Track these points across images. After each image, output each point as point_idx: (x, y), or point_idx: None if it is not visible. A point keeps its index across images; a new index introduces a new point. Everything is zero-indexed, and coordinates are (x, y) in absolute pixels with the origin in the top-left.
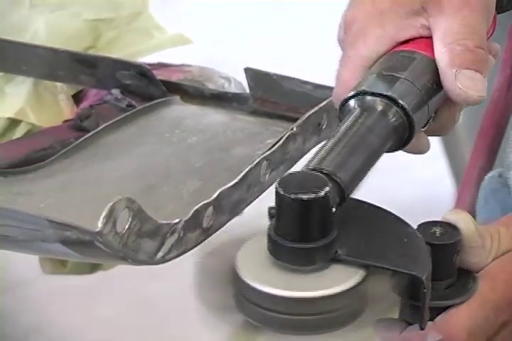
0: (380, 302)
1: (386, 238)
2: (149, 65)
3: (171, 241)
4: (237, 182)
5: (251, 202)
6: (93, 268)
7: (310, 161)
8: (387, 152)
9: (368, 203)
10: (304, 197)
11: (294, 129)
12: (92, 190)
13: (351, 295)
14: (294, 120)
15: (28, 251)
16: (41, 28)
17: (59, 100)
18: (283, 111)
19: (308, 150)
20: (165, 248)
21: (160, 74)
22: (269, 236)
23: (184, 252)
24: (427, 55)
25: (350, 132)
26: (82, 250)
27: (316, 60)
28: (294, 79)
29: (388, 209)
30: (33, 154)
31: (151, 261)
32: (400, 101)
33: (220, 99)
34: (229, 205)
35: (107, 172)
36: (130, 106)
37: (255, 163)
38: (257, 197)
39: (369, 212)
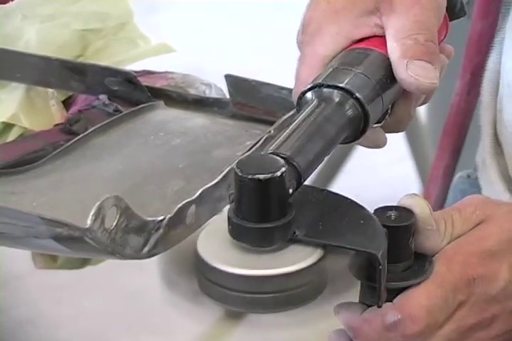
0: (339, 282)
1: (343, 219)
2: (135, 72)
3: (156, 236)
4: (218, 182)
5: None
6: (83, 263)
7: (268, 146)
8: (343, 143)
9: (325, 189)
10: (261, 176)
11: (271, 132)
12: (81, 189)
13: (310, 273)
14: (271, 123)
15: (21, 246)
16: (33, 38)
17: (50, 105)
18: (261, 115)
19: None
20: (150, 243)
21: (145, 81)
22: (229, 218)
23: (169, 247)
24: (381, 52)
25: (308, 120)
26: (72, 245)
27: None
28: (271, 85)
29: (344, 195)
30: (26, 156)
31: (138, 255)
32: (356, 94)
33: (202, 104)
34: (210, 203)
35: (95, 173)
36: (117, 111)
37: (235, 163)
38: None
39: (326, 197)
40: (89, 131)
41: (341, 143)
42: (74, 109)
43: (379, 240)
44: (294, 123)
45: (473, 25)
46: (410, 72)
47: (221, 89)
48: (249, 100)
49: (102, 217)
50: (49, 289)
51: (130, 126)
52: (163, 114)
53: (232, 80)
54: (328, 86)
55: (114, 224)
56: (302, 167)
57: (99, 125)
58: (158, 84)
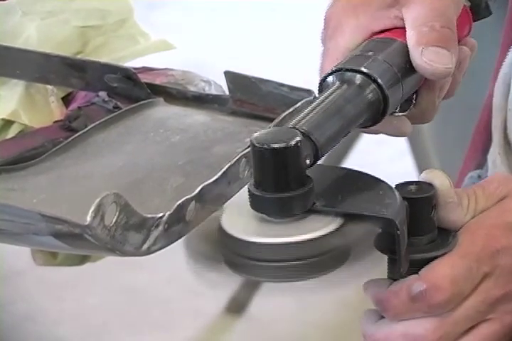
0: (360, 252)
1: (362, 191)
2: (135, 69)
3: (155, 233)
4: (217, 178)
5: (231, 196)
6: (82, 259)
7: (288, 123)
8: (361, 127)
9: (344, 167)
10: (276, 145)
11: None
12: (81, 186)
13: (331, 240)
14: (271, 120)
15: (21, 243)
16: (33, 35)
17: (49, 102)
18: (260, 111)
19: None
20: (150, 240)
21: (144, 78)
22: (249, 191)
23: (168, 244)
24: (401, 41)
25: (328, 100)
26: (72, 242)
27: (293, 63)
28: (271, 81)
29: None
30: (26, 153)
31: (137, 252)
32: (377, 78)
33: (202, 101)
34: (210, 200)
35: (95, 169)
36: (116, 107)
37: (234, 160)
38: (237, 192)
39: (345, 173)
40: (89, 127)
41: (360, 127)
42: (73, 105)
43: (397, 208)
44: (315, 103)
45: (507, 29)
46: (425, 58)
47: (220, 86)
48: (248, 97)
49: (101, 214)
50: (49, 285)
51: (130, 123)
52: (163, 111)
53: (231, 77)
54: (350, 70)
55: (114, 220)
56: (320, 142)
57: (98, 122)
58: (158, 80)
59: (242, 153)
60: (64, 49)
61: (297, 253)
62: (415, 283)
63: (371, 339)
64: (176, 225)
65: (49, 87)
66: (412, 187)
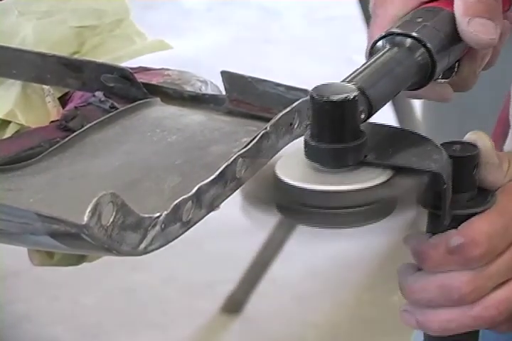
0: (406, 205)
1: (411, 147)
2: (131, 68)
3: (152, 233)
4: (214, 178)
5: (228, 196)
6: (79, 259)
7: (342, 80)
8: (409, 89)
9: (394, 126)
10: (335, 98)
11: (268, 128)
12: (78, 186)
13: (381, 191)
14: (268, 120)
15: (18, 243)
16: (29, 35)
17: (46, 102)
18: (257, 111)
19: (281, 148)
20: (147, 240)
21: (141, 78)
22: (305, 141)
23: (165, 244)
24: (450, 10)
25: (380, 60)
26: (69, 242)
27: (289, 64)
28: (267, 81)
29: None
30: (22, 153)
31: (134, 252)
32: (427, 43)
33: (198, 101)
34: (207, 200)
35: (92, 169)
36: (113, 107)
37: (231, 160)
38: (234, 192)
39: (395, 130)
40: (86, 127)
41: (407, 89)
42: (70, 105)
43: (444, 164)
44: (366, 64)
45: None
46: (471, 28)
47: (217, 86)
48: (245, 96)
49: (98, 214)
50: (45, 285)
51: (127, 123)
52: (160, 111)
53: (228, 76)
54: (400, 34)
55: (111, 220)
56: (373, 99)
57: (95, 122)
58: (155, 80)
59: (239, 153)
60: (60, 49)
61: (347, 202)
62: (454, 237)
63: (408, 291)
64: (173, 225)
65: (45, 87)
66: (457, 147)
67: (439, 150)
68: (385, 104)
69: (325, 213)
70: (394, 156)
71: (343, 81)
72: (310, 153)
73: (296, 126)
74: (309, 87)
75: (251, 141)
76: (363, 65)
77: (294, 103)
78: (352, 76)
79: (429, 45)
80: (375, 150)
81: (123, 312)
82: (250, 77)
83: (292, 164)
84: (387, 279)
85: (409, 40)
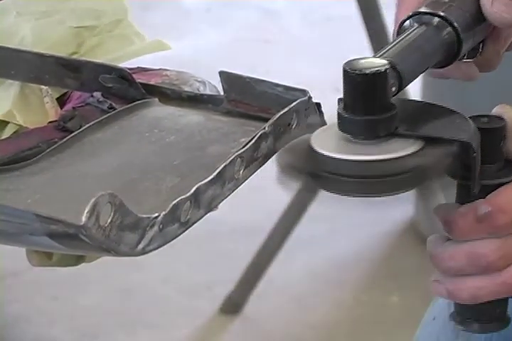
0: (436, 176)
1: (440, 119)
2: (129, 69)
3: (150, 233)
4: (212, 179)
5: (226, 197)
6: (78, 260)
7: (373, 56)
8: (435, 67)
9: (423, 101)
10: (368, 71)
11: (266, 129)
12: (76, 186)
13: (411, 161)
14: (266, 120)
15: (16, 243)
16: (28, 35)
17: (44, 103)
18: (255, 111)
19: (279, 149)
20: (145, 240)
21: (139, 78)
22: (339, 114)
23: (163, 244)
24: None
25: (409, 37)
26: (67, 242)
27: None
28: (265, 81)
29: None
30: (21, 153)
31: (132, 252)
32: (453, 22)
33: (196, 101)
34: (205, 200)
35: (90, 170)
36: (111, 108)
37: (229, 160)
38: (232, 192)
39: (423, 103)
40: (84, 128)
41: (433, 67)
42: (68, 106)
43: (473, 134)
44: (396, 40)
45: None
46: (494, 8)
47: (215, 87)
48: (243, 97)
49: (96, 214)
50: (44, 286)
51: (125, 123)
52: (158, 111)
53: (226, 77)
54: (427, 13)
55: (109, 221)
56: (404, 73)
57: (93, 122)
58: (153, 81)
59: (237, 153)
60: (59, 49)
61: (380, 171)
62: (482, 206)
63: (437, 260)
64: (171, 225)
65: (43, 87)
66: (484, 120)
67: (468, 122)
68: (414, 79)
69: (358, 182)
70: (424, 127)
71: (374, 56)
72: (343, 125)
73: (294, 126)
74: (308, 88)
75: (249, 141)
76: (393, 41)
77: (292, 103)
78: (382, 51)
79: (455, 24)
80: (405, 122)
81: (122, 312)
82: (248, 77)
83: (326, 137)
84: (385, 280)
85: (436, 19)
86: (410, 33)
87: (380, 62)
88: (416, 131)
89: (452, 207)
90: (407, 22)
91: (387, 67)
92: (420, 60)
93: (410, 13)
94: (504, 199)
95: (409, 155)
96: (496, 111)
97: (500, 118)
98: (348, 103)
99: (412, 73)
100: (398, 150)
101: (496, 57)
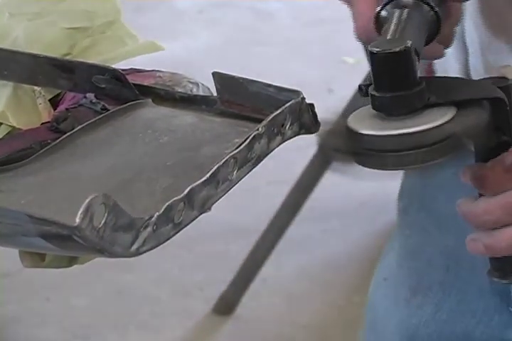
0: (473, 139)
1: (465, 85)
2: (123, 70)
3: (144, 234)
4: (206, 179)
5: (220, 197)
6: (70, 261)
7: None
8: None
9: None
10: (397, 49)
11: (260, 129)
12: (70, 187)
13: (448, 128)
14: (259, 121)
15: (9, 245)
16: (20, 36)
17: (37, 104)
18: (249, 112)
19: (273, 150)
20: (139, 241)
21: (132, 79)
22: (371, 95)
23: (157, 245)
24: None
25: (403, 19)
26: (60, 243)
27: (280, 65)
28: (258, 82)
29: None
30: (14, 154)
31: (126, 253)
32: (430, 2)
33: (190, 102)
34: (199, 201)
35: (84, 170)
36: (104, 109)
37: (223, 161)
38: (225, 193)
39: (445, 78)
40: (77, 128)
41: None
42: (61, 107)
43: (500, 92)
44: (393, 23)
45: None
46: None
47: (208, 88)
48: (236, 98)
49: (90, 215)
50: (37, 287)
51: (118, 124)
52: (152, 112)
53: (219, 77)
54: None
55: (103, 222)
56: (418, 50)
57: (87, 123)
58: (146, 82)
59: (231, 154)
60: (52, 50)
61: (423, 141)
62: (508, 156)
63: (472, 216)
64: (165, 226)
65: (36, 88)
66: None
67: (489, 82)
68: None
69: (403, 155)
70: (453, 94)
71: (385, 38)
72: (377, 103)
73: (287, 127)
74: (301, 88)
75: (243, 142)
76: (390, 25)
77: (285, 104)
78: (390, 32)
79: (431, 3)
80: (434, 93)
81: (114, 313)
82: (241, 78)
83: (362, 117)
84: None
85: (411, 1)
86: (401, 15)
87: (399, 41)
88: (447, 98)
89: (480, 165)
90: (384, 11)
91: (410, 42)
92: (422, 38)
93: (385, 1)
94: None
95: (446, 122)
96: (499, 71)
97: (504, 77)
98: (379, 82)
99: (421, 50)
100: (435, 119)
101: (451, 33)
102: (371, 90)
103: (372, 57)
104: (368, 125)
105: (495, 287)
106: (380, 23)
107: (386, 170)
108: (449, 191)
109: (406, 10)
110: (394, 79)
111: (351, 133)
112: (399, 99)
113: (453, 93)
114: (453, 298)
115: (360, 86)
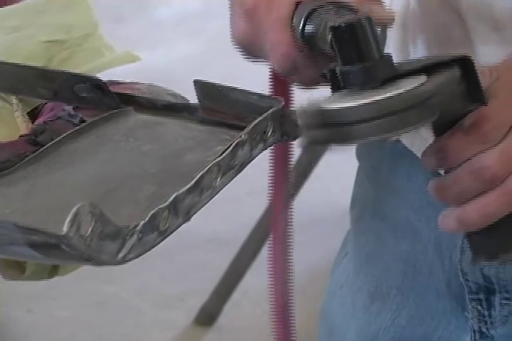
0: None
1: (431, 58)
2: None
3: (130, 242)
4: (190, 187)
5: (204, 204)
6: (50, 273)
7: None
8: None
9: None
10: (355, 20)
11: (242, 137)
12: (54, 196)
13: (419, 91)
14: (241, 128)
15: None
16: None
17: (15, 117)
18: (230, 120)
19: (255, 157)
20: (125, 249)
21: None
22: (341, 72)
23: (143, 253)
24: None
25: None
26: (48, 252)
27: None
28: (239, 90)
29: None
30: None
31: (113, 261)
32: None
33: (171, 110)
34: (184, 208)
35: (67, 179)
36: (82, 121)
37: (207, 168)
38: (209, 200)
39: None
40: (60, 137)
41: None
42: (39, 120)
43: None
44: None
45: None
46: None
47: (186, 99)
48: (218, 105)
49: (77, 224)
50: (19, 298)
51: (100, 133)
52: (133, 120)
53: (200, 85)
54: (317, 8)
55: (90, 230)
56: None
57: (69, 131)
58: None
59: (214, 161)
60: (29, 63)
61: (398, 106)
62: (465, 120)
63: (441, 190)
64: (150, 234)
65: (14, 101)
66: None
67: (450, 52)
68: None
69: (380, 123)
70: (421, 62)
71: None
72: (346, 79)
73: (269, 134)
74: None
75: (226, 149)
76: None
77: (267, 111)
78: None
79: (352, 7)
80: (402, 66)
81: (96, 324)
82: (223, 86)
83: (336, 98)
84: None
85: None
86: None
87: (354, 14)
88: (415, 66)
89: (438, 138)
90: (310, 26)
91: (365, 14)
92: None
93: (303, 16)
94: (484, 109)
95: (420, 85)
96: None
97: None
98: (344, 57)
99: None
100: (409, 84)
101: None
102: (338, 68)
103: (335, 31)
104: (342, 102)
105: (452, 291)
106: (308, 38)
107: (366, 140)
108: (403, 196)
109: (333, 9)
110: (358, 50)
111: (325, 111)
112: (368, 69)
113: (420, 63)
114: (411, 303)
115: (323, 74)
